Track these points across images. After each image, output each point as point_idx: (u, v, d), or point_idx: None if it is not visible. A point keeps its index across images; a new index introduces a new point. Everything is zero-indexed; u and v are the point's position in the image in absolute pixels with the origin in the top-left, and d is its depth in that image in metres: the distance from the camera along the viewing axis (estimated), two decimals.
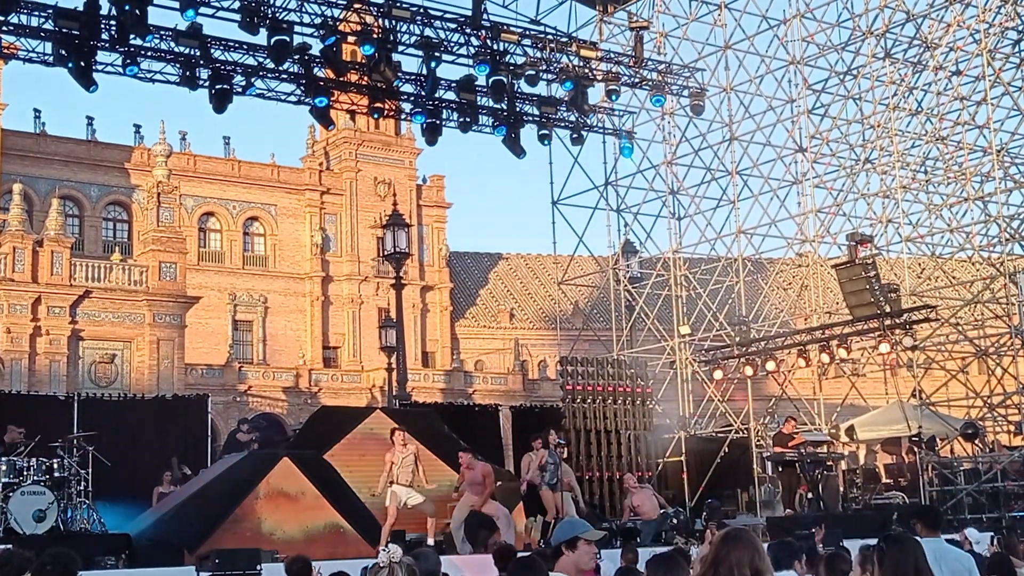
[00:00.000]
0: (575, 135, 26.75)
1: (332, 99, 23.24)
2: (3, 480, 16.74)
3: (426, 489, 19.45)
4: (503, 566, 10.04)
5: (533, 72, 23.63)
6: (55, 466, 17.48)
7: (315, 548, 16.28)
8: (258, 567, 13.80)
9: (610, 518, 23.18)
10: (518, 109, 24.77)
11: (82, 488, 18.16)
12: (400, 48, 22.61)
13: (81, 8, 19.29)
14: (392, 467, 18.11)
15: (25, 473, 16.82)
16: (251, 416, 33.77)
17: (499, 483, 20.34)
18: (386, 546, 5.33)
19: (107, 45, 19.83)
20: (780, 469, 24.67)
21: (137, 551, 16.05)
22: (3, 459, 17.05)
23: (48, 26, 19.36)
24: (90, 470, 18.62)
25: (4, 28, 19.43)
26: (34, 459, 17.23)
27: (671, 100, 29.98)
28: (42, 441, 18.26)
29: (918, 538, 8.32)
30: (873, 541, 8.16)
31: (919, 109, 33.89)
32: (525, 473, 20.62)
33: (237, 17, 20.20)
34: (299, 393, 59.50)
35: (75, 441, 18.85)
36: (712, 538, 5.19)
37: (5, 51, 21.59)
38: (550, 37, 24.52)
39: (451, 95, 23.83)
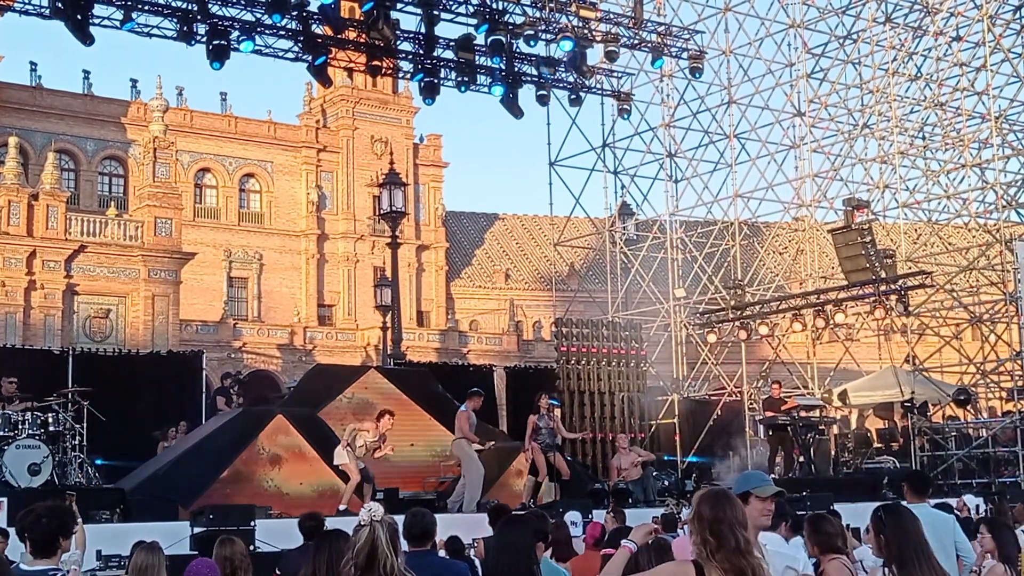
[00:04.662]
0: (573, 96, 26.66)
1: (330, 56, 23.11)
2: None
3: (417, 449, 19.68)
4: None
5: (532, 32, 23.47)
6: (50, 420, 17.51)
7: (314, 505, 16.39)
8: (252, 523, 13.87)
9: (602, 479, 23.29)
10: (516, 69, 24.66)
11: (77, 443, 18.21)
12: (399, 6, 22.47)
13: None
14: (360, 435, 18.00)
15: (20, 427, 16.86)
16: (235, 373, 33.68)
17: (493, 443, 20.41)
18: (368, 505, 5.34)
19: None
20: (772, 433, 24.77)
21: (132, 506, 16.13)
22: None
23: None
24: (85, 425, 18.68)
25: None
26: (29, 413, 17.26)
27: (670, 62, 29.87)
28: (37, 395, 18.30)
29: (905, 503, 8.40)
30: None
31: (918, 74, 33.85)
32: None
33: None
34: (294, 351, 59.56)
35: (70, 396, 18.89)
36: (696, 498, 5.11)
37: (1, 3, 21.43)
38: None
39: (449, 54, 23.71)
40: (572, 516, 12.51)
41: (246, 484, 17.95)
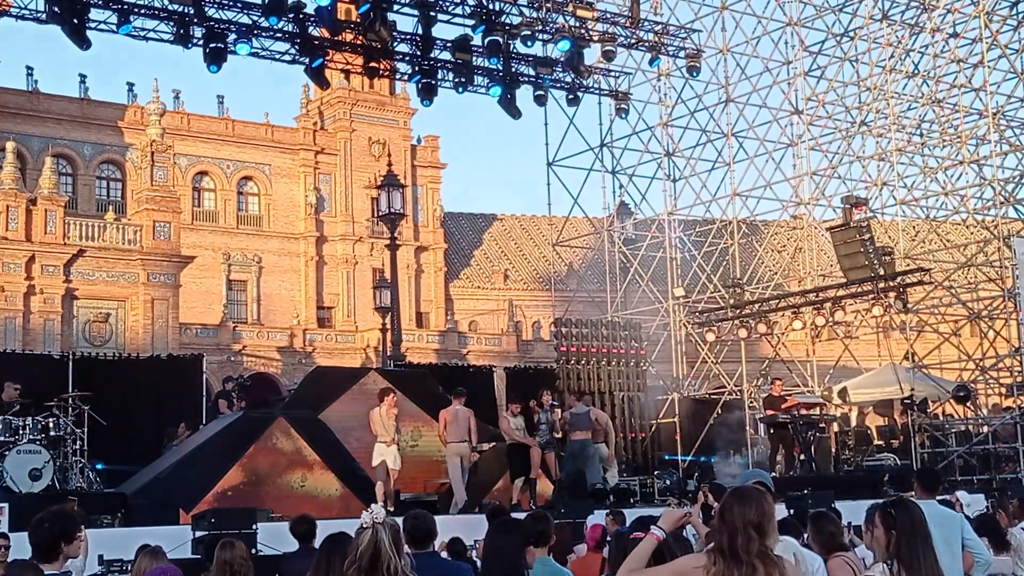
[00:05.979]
0: (571, 96, 26.63)
1: (327, 59, 23.09)
2: None
3: (417, 450, 19.64)
4: None
5: (529, 32, 23.43)
6: (51, 425, 17.53)
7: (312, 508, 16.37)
8: (253, 526, 13.85)
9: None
10: (514, 69, 24.64)
11: (77, 447, 18.23)
12: (395, 7, 22.45)
13: None
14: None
15: (21, 432, 16.87)
16: (236, 376, 33.60)
17: (493, 444, 20.41)
18: (369, 507, 5.33)
19: (100, 2, 19.68)
20: (772, 431, 24.79)
21: (133, 510, 16.12)
22: None
23: None
24: (85, 429, 18.68)
25: None
26: (30, 418, 17.27)
27: (667, 61, 29.88)
28: (37, 400, 18.31)
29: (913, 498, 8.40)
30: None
31: (916, 71, 33.85)
32: (508, 434, 20.18)
33: None
34: (293, 353, 59.57)
35: (70, 400, 18.90)
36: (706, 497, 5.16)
37: None
38: None
39: (447, 55, 23.69)
40: (594, 517, 12.40)
41: (262, 487, 17.88)
